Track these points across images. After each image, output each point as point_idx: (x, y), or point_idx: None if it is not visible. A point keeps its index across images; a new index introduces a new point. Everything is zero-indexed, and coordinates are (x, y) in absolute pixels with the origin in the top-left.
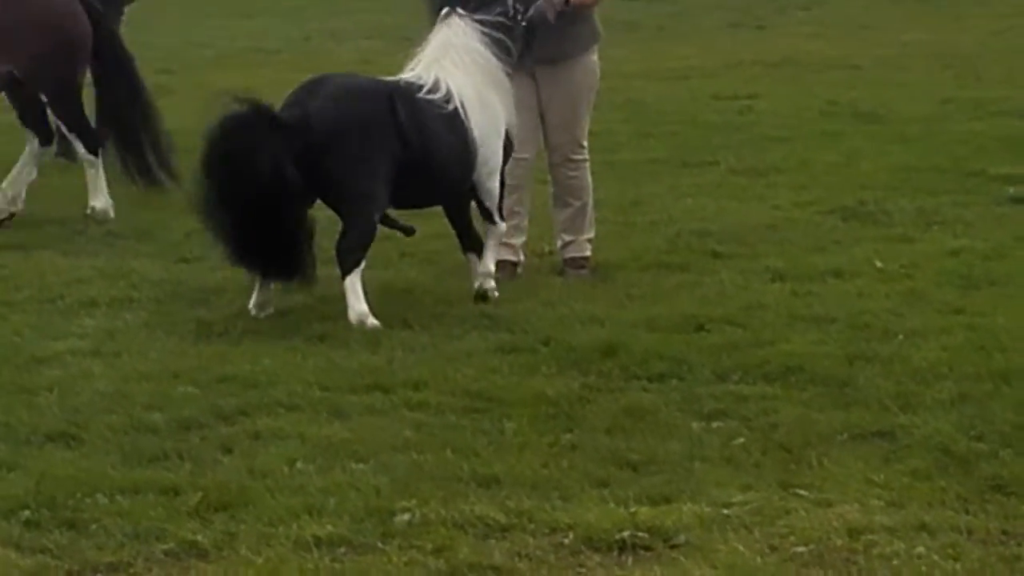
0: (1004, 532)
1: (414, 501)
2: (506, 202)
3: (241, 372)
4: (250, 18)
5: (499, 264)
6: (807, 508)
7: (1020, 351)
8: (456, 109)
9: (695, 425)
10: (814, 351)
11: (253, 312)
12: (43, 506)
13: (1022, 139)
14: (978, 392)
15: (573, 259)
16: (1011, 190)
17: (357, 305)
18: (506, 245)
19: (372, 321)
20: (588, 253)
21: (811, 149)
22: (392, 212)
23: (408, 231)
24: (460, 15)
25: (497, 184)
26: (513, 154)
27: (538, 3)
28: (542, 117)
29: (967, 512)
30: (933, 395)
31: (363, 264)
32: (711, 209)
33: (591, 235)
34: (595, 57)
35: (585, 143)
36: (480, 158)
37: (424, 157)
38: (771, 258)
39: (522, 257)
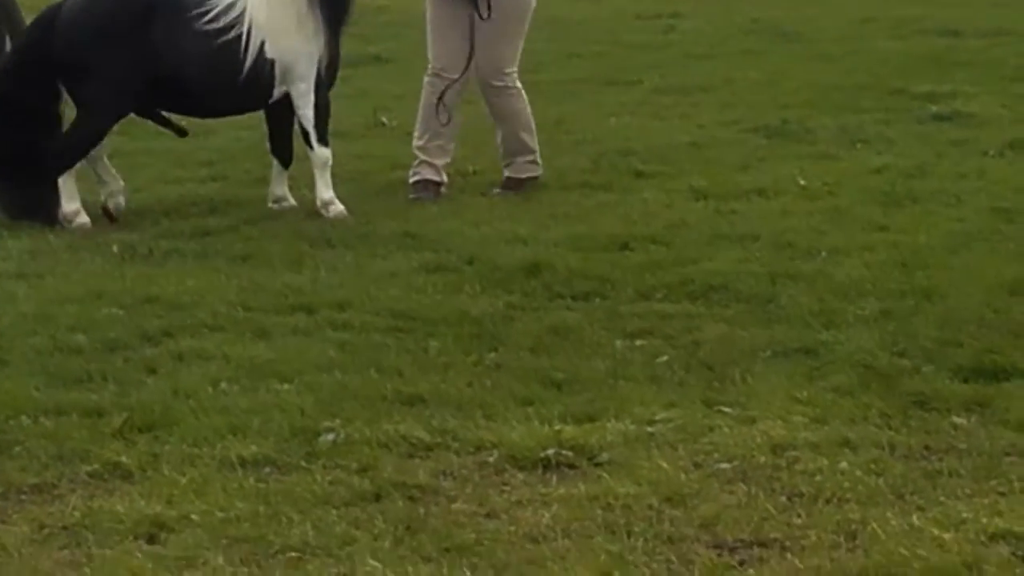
0: (926, 447)
1: (338, 421)
2: (432, 122)
3: (165, 293)
4: None
5: (422, 183)
6: (731, 425)
7: (942, 268)
8: (241, 32)
9: (619, 343)
10: (737, 269)
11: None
12: None
13: (943, 57)
14: (900, 309)
15: (509, 179)
16: (933, 108)
17: (67, 204)
18: (429, 164)
19: (81, 219)
20: (527, 174)
21: (734, 68)
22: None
23: (181, 132)
24: None
25: (310, 109)
26: (440, 73)
27: None
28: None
29: (890, 428)
30: (856, 312)
31: (74, 167)
32: (635, 128)
33: (530, 157)
34: None
35: (509, 70)
36: (281, 82)
37: (178, 70)
38: (695, 177)
39: (445, 178)
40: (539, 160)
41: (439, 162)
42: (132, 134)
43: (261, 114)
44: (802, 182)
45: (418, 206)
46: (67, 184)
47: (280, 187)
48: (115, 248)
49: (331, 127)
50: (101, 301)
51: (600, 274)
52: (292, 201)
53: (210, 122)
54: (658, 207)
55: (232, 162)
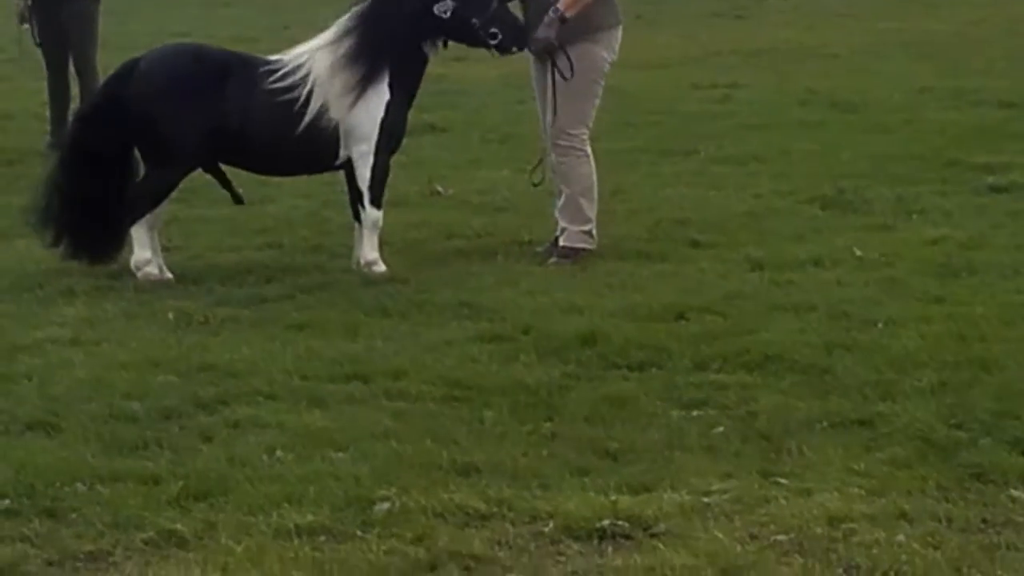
0: (984, 520)
1: (394, 490)
2: (557, 183)
3: (220, 361)
4: (229, 7)
5: (555, 241)
6: (787, 496)
7: (999, 339)
8: (303, 92)
9: (675, 414)
10: (793, 340)
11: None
12: (23, 495)
13: (999, 128)
14: (957, 380)
15: (561, 247)
16: (990, 179)
17: (139, 252)
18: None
19: (150, 269)
20: (581, 245)
21: (790, 138)
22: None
23: (237, 199)
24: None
25: (368, 171)
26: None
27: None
28: None
29: (947, 500)
30: (912, 383)
31: (147, 214)
32: (691, 198)
33: (587, 227)
34: (592, 47)
35: (575, 131)
36: (344, 143)
37: (244, 127)
38: (750, 247)
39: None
40: (595, 233)
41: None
42: (189, 201)
43: (322, 182)
44: (858, 253)
45: (474, 276)
46: (138, 233)
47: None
48: (171, 315)
49: (387, 196)
50: (157, 368)
51: (656, 344)
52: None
53: (267, 190)
54: (714, 277)
55: (288, 230)
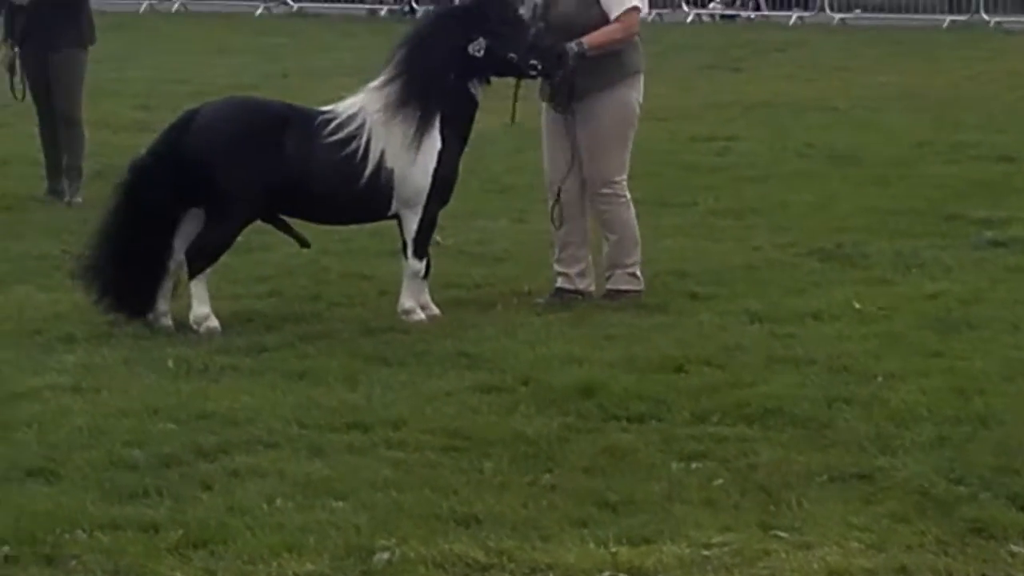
0: None
1: (394, 540)
2: (557, 233)
3: (220, 409)
4: (227, 55)
5: (556, 292)
6: (787, 550)
7: (998, 394)
8: (361, 143)
9: (674, 466)
10: (793, 393)
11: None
12: (23, 542)
13: (998, 183)
14: (957, 435)
15: (609, 291)
16: (989, 233)
17: (198, 308)
18: (561, 274)
19: (211, 323)
20: (627, 287)
21: (789, 190)
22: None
23: (303, 243)
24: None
25: (416, 222)
26: (552, 186)
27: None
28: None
29: (947, 555)
30: (912, 437)
31: (209, 269)
32: (689, 249)
33: (631, 269)
34: (628, 91)
35: (618, 178)
36: (396, 192)
37: (304, 177)
38: (750, 299)
39: (580, 285)
40: (640, 275)
41: (571, 271)
42: None
43: (321, 230)
44: (857, 306)
45: (474, 326)
46: (198, 288)
47: (422, 295)
48: (171, 363)
49: (385, 247)
50: (156, 416)
51: (655, 396)
52: (435, 310)
53: (266, 238)
54: (713, 329)
55: (288, 278)
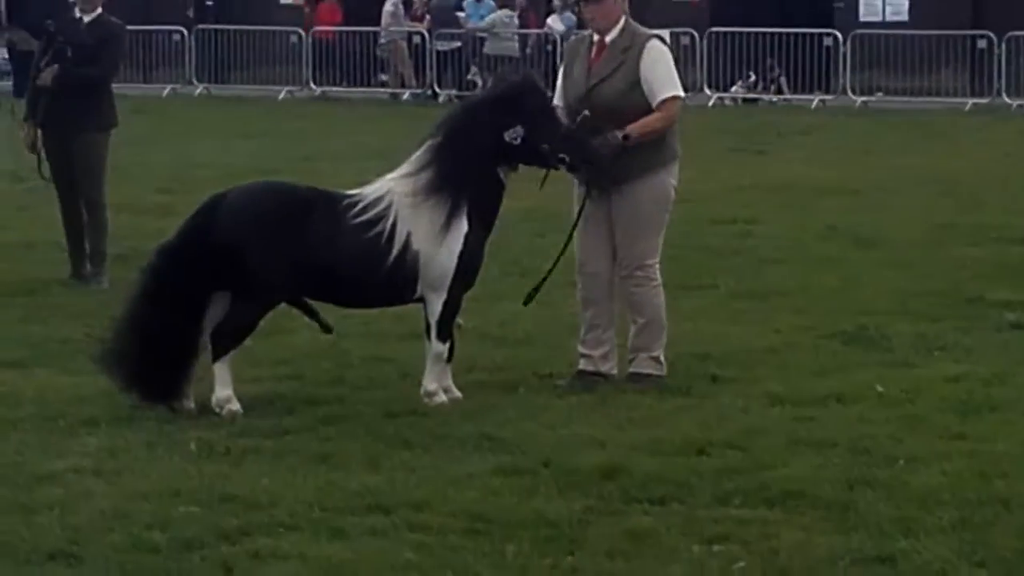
0: None
1: None
2: (583, 315)
3: (242, 492)
4: (249, 139)
5: (578, 374)
6: None
7: (1021, 477)
8: (387, 225)
9: (696, 549)
10: (815, 476)
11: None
12: None
13: (1020, 265)
14: (979, 518)
15: (632, 374)
16: (1011, 316)
17: (220, 390)
18: (585, 355)
19: (233, 406)
20: (649, 371)
21: (810, 273)
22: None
23: (326, 328)
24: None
25: (440, 305)
26: (583, 267)
27: (597, 141)
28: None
29: None
30: (934, 521)
31: (233, 352)
32: (711, 332)
33: (656, 353)
34: (667, 176)
35: (651, 261)
36: (421, 275)
37: (330, 260)
38: (771, 382)
39: (603, 368)
40: (663, 360)
41: (595, 353)
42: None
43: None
44: (879, 389)
45: (495, 409)
46: (221, 371)
47: (444, 378)
48: (193, 446)
49: (407, 330)
50: (178, 499)
51: (677, 479)
52: (456, 393)
53: (287, 322)
54: (735, 412)
55: (309, 361)
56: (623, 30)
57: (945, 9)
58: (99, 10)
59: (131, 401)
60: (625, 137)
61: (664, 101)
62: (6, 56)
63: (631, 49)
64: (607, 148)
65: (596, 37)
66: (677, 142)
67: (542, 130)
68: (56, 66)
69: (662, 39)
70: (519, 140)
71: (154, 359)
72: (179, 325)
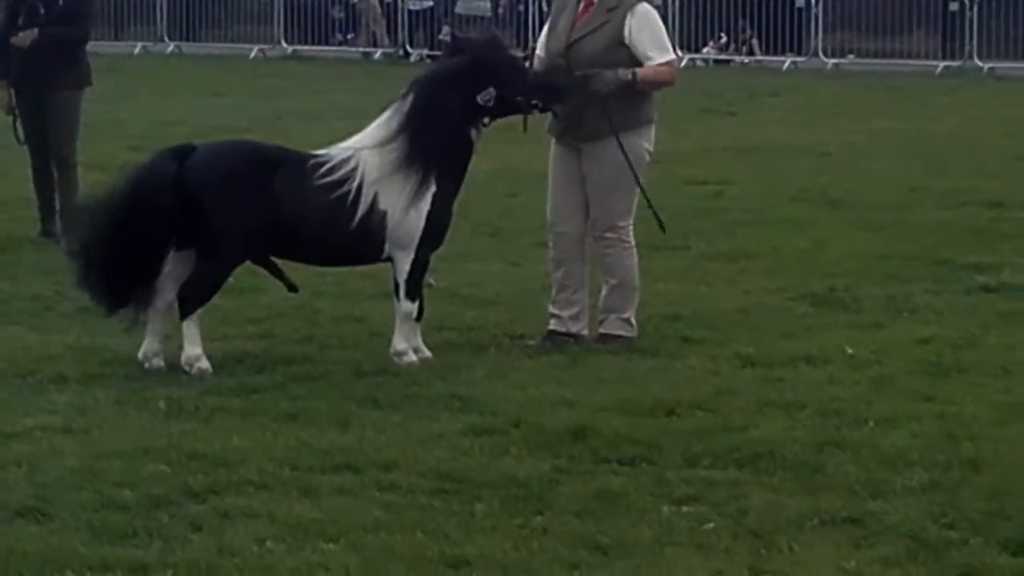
0: None
1: None
2: (554, 275)
3: (211, 450)
4: (221, 97)
5: (548, 334)
6: None
7: (989, 439)
8: (354, 186)
9: (665, 509)
10: (784, 437)
11: (144, 362)
12: None
13: (990, 229)
14: (948, 480)
15: (602, 335)
16: (980, 279)
17: (190, 348)
18: (555, 316)
19: (202, 364)
20: (620, 332)
21: (781, 235)
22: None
23: (291, 287)
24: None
25: (408, 264)
26: (554, 227)
27: (600, 71)
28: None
29: None
30: (903, 482)
31: (200, 310)
32: (681, 294)
33: (626, 315)
34: (639, 140)
35: (623, 223)
36: (389, 235)
37: (297, 220)
38: (741, 344)
39: (573, 328)
40: (634, 322)
41: (564, 313)
42: None
43: (312, 272)
44: (849, 351)
45: (465, 369)
46: (190, 329)
47: (414, 338)
48: (162, 404)
49: (377, 289)
50: (147, 457)
51: (646, 439)
52: (427, 352)
53: (257, 280)
54: (704, 373)
55: (280, 320)
56: None
57: None
58: None
59: (100, 313)
60: (633, 74)
61: (665, 63)
62: None
63: (617, 9)
64: (611, 79)
65: None
66: (653, 108)
67: (513, 84)
68: (35, 29)
69: (650, 2)
70: (492, 101)
71: (114, 264)
72: (145, 239)
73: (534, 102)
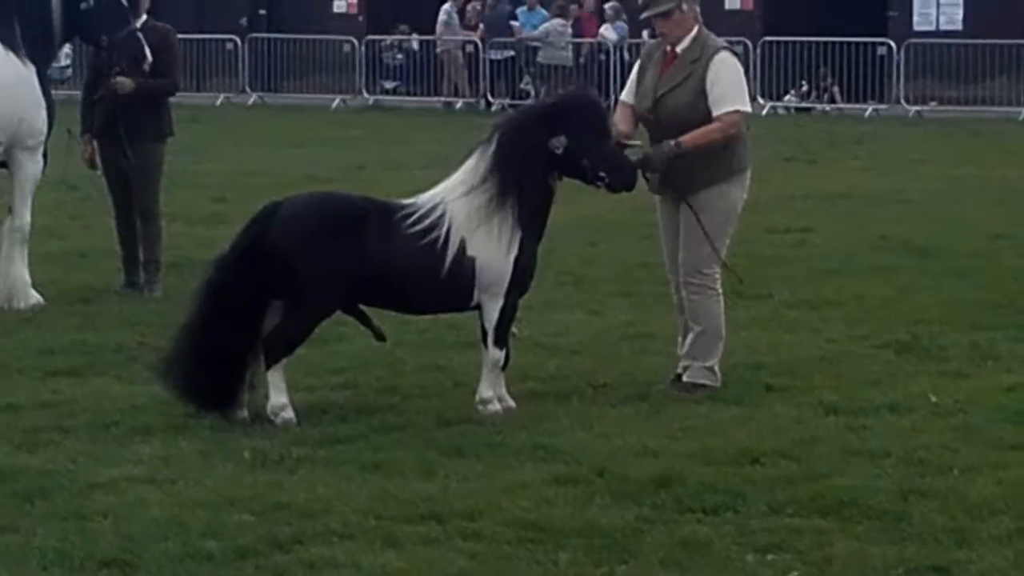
0: None
1: None
2: (677, 320)
3: (296, 500)
4: (302, 147)
5: (675, 379)
6: None
7: None
8: (442, 232)
9: (750, 558)
10: (868, 485)
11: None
12: None
13: None
14: None
15: (684, 383)
16: None
17: (275, 398)
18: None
19: (287, 414)
20: (702, 380)
21: (864, 283)
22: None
23: (379, 336)
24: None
25: (497, 311)
26: (670, 275)
27: (649, 151)
28: None
29: None
30: (989, 530)
31: (285, 359)
32: (765, 342)
33: (710, 363)
34: (731, 188)
35: (708, 270)
36: (478, 281)
37: (385, 270)
38: (825, 391)
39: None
40: (717, 371)
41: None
42: None
43: (397, 321)
44: (933, 399)
45: (549, 418)
46: (274, 378)
47: (499, 387)
48: (247, 454)
49: (460, 338)
50: (232, 507)
51: (730, 488)
52: (510, 401)
53: (342, 330)
54: (788, 421)
55: (363, 370)
56: (694, 40)
57: (999, 18)
58: (144, 16)
59: (186, 410)
60: (678, 145)
61: (724, 113)
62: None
63: (700, 60)
64: (660, 157)
65: (668, 47)
66: (746, 154)
67: (585, 145)
68: (131, 79)
69: (733, 51)
70: (561, 150)
71: (210, 368)
72: (236, 336)
73: (601, 174)
